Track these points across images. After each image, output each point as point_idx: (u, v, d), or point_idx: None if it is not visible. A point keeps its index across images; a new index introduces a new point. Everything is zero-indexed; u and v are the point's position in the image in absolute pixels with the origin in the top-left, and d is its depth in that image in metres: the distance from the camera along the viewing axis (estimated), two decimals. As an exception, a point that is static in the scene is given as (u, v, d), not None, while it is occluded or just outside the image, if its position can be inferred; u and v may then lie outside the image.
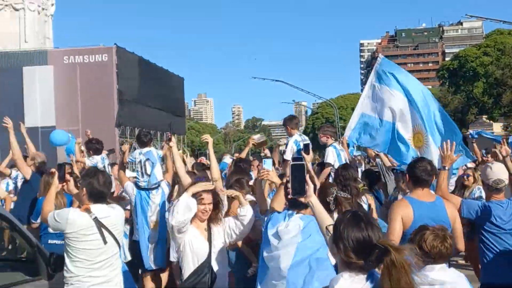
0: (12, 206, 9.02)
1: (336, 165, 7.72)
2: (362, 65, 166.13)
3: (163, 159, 8.27)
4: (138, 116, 41.17)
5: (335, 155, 8.11)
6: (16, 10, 41.58)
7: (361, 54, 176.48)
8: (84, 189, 4.90)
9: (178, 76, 52.79)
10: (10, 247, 6.14)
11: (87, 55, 38.20)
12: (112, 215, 4.93)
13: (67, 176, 5.35)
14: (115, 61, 38.25)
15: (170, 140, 6.18)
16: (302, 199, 3.52)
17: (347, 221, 2.94)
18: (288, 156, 8.12)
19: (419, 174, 5.05)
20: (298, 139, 8.49)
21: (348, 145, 8.87)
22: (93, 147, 9.76)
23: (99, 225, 4.76)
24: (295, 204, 4.51)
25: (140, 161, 7.67)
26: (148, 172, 7.67)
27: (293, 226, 4.60)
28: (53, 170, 5.88)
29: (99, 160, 9.23)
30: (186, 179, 6.14)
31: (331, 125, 8.38)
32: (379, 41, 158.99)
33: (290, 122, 8.81)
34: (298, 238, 4.55)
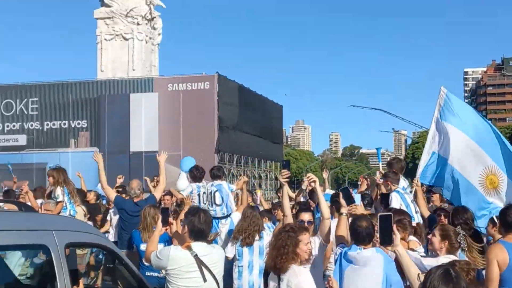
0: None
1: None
2: (466, 94, 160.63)
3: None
4: (237, 143, 41.85)
5: (399, 200, 7.79)
6: (126, 39, 43.70)
7: (465, 82, 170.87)
8: (186, 226, 4.99)
9: (277, 103, 53.29)
10: (114, 279, 6.33)
11: (190, 83, 39.40)
12: (213, 253, 4.96)
13: (170, 220, 5.47)
14: (216, 89, 39.18)
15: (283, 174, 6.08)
16: (390, 248, 3.80)
17: (438, 277, 3.12)
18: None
19: (510, 220, 5.21)
20: (404, 185, 8.33)
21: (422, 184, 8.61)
22: (192, 174, 9.70)
23: (199, 262, 4.80)
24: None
25: (211, 192, 8.42)
26: (218, 202, 8.43)
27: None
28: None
29: (194, 188, 9.28)
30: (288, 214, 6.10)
31: (393, 172, 8.06)
32: (485, 69, 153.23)
33: (395, 165, 8.54)
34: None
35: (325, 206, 5.47)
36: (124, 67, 43.55)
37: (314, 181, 5.56)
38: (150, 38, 45.07)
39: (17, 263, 5.59)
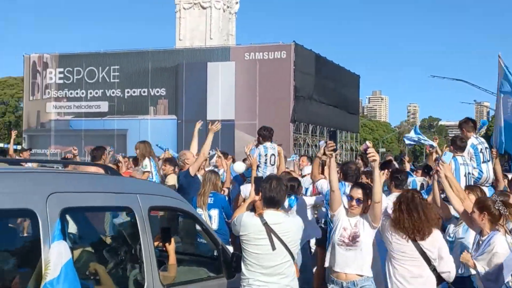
0: None
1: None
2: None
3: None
4: (312, 113, 41.63)
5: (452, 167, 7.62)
6: (204, 8, 44.05)
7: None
8: (260, 194, 5.04)
9: (354, 73, 52.49)
10: (196, 244, 6.51)
11: (266, 52, 39.37)
12: (286, 222, 4.93)
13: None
14: (293, 58, 38.97)
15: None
16: None
17: None
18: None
19: None
20: (474, 142, 8.30)
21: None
22: (261, 133, 9.73)
23: (269, 230, 4.82)
24: None
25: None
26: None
27: None
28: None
29: (262, 150, 9.32)
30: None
31: (460, 139, 8.02)
32: None
33: (466, 124, 8.54)
34: None
35: (378, 188, 5.23)
36: (202, 36, 43.99)
37: (374, 160, 5.20)
38: (228, 7, 45.22)
39: (102, 223, 5.83)
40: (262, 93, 38.57)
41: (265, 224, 4.82)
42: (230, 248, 6.12)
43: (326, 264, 5.55)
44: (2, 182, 3.94)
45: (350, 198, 5.45)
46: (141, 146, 9.31)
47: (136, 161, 10.71)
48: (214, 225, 7.42)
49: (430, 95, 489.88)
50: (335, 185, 5.54)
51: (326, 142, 5.64)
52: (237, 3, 46.39)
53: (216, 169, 10.20)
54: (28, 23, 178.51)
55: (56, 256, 3.60)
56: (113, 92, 43.07)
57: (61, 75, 44.28)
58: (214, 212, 7.66)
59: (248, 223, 4.87)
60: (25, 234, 4.57)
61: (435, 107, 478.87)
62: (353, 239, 5.32)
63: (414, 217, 5.09)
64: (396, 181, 6.82)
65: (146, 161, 9.04)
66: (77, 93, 43.97)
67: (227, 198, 8.52)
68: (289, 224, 4.94)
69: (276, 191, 4.94)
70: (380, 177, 5.34)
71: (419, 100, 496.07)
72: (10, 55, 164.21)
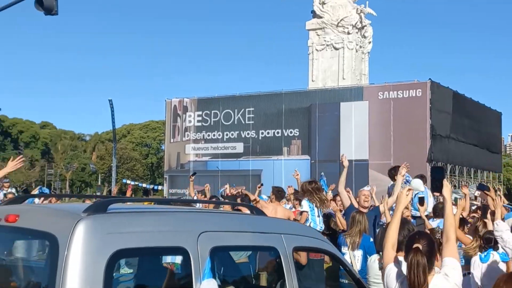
0: None
1: None
2: None
3: None
4: (450, 152, 40.06)
5: None
6: (336, 49, 44.33)
7: None
8: None
9: (495, 110, 49.99)
10: (339, 285, 6.45)
11: (401, 91, 38.68)
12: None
13: None
14: (429, 96, 37.93)
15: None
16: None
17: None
18: None
19: None
20: None
21: None
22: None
23: None
24: None
25: None
26: None
27: None
28: None
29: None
30: None
31: None
32: None
33: None
34: None
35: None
36: (335, 77, 44.19)
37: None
38: (360, 47, 45.18)
39: (245, 263, 5.94)
40: (397, 132, 37.79)
41: None
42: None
43: None
44: (158, 221, 4.15)
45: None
46: (305, 184, 9.37)
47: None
48: (357, 265, 7.31)
49: None
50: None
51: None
52: (370, 42, 46.25)
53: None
54: (169, 69, 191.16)
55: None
56: (248, 133, 44.23)
57: (199, 118, 46.30)
58: (358, 253, 7.57)
59: None
60: (179, 271, 4.76)
61: None
62: None
63: None
64: None
65: (304, 202, 9.09)
66: (214, 135, 45.66)
67: None
68: None
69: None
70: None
71: None
72: (152, 100, 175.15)
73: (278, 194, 9.96)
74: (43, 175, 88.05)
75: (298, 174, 11.93)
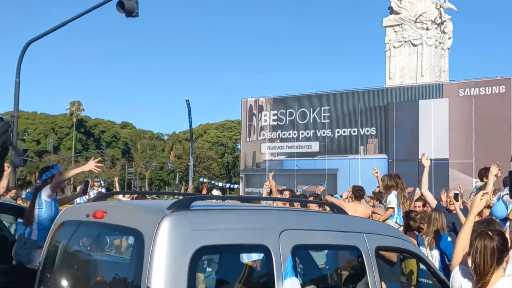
0: None
1: None
2: None
3: None
4: (536, 151, 38.34)
5: None
6: (414, 45, 43.32)
7: None
8: None
9: None
10: (421, 285, 6.29)
11: (483, 87, 37.31)
12: None
13: None
14: (513, 93, 36.42)
15: None
16: None
17: None
18: None
19: None
20: None
21: None
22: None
23: None
24: None
25: None
26: None
27: None
28: None
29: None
30: None
31: None
32: None
33: None
34: None
35: None
36: (413, 74, 43.20)
37: None
38: (440, 43, 43.94)
39: (326, 262, 5.88)
40: (479, 130, 36.48)
41: None
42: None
43: None
44: (240, 219, 4.17)
45: None
46: (386, 178, 9.11)
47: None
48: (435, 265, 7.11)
49: None
50: None
51: None
52: (450, 38, 44.85)
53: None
54: (245, 68, 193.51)
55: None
56: (323, 132, 43.93)
57: (275, 117, 46.39)
58: (436, 253, 7.39)
59: None
60: (258, 269, 4.78)
61: None
62: None
63: None
64: None
65: (391, 197, 8.83)
66: (289, 134, 45.63)
67: None
68: None
69: None
70: None
71: None
72: (228, 100, 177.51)
73: (358, 193, 9.83)
74: (124, 174, 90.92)
75: (377, 172, 11.65)
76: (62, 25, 19.19)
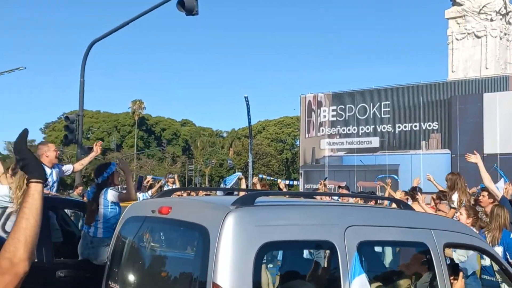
0: None
1: None
2: None
3: None
4: None
5: None
6: (478, 37, 42.13)
7: None
8: None
9: None
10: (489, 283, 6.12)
11: (550, 79, 35.99)
12: None
13: None
14: None
15: None
16: None
17: None
18: None
19: None
20: None
21: None
22: None
23: None
24: None
25: None
26: None
27: None
28: None
29: None
30: None
31: None
32: None
33: None
34: None
35: None
36: (477, 66, 42.02)
37: None
38: (505, 34, 42.56)
39: (392, 259, 5.78)
40: (546, 123, 35.21)
41: None
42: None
43: None
44: (304, 214, 4.14)
45: None
46: (450, 177, 8.98)
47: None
48: None
49: None
50: None
51: None
52: (515, 29, 43.53)
53: None
54: (303, 64, 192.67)
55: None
56: (384, 128, 43.33)
57: (334, 113, 46.07)
58: (499, 249, 7.18)
59: None
60: (325, 265, 4.73)
61: None
62: None
63: None
64: None
65: (454, 196, 8.70)
66: (349, 130, 45.24)
67: None
68: None
69: None
70: None
71: None
72: (287, 96, 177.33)
73: (411, 195, 9.70)
74: (184, 171, 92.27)
75: (430, 177, 11.42)
76: (125, 25, 19.56)
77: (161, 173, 75.22)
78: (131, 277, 4.80)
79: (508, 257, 7.03)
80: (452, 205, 8.43)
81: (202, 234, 3.94)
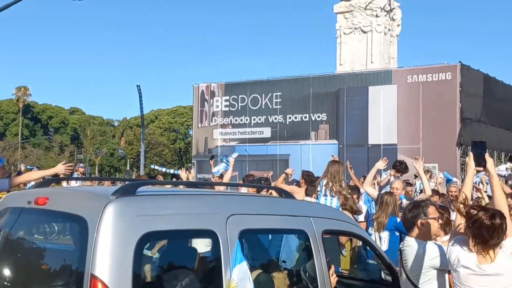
0: None
1: None
2: None
3: None
4: (481, 136, 39.32)
5: None
6: (364, 32, 43.82)
7: None
8: None
9: (527, 93, 48.96)
10: (368, 268, 6.41)
11: (430, 74, 38.07)
12: None
13: None
14: (459, 79, 37.25)
15: None
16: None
17: None
18: None
19: None
20: None
21: None
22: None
23: None
24: None
25: None
26: None
27: None
28: None
29: None
30: None
31: None
32: None
33: None
34: None
35: None
36: (363, 60, 43.72)
37: None
38: (389, 30, 44.57)
39: (273, 246, 5.91)
40: (426, 116, 37.25)
41: None
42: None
43: None
44: (186, 204, 4.13)
45: None
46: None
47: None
48: (384, 246, 7.31)
49: None
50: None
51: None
52: (398, 25, 45.52)
53: None
54: (196, 54, 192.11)
55: (241, 277, 3.68)
56: (275, 118, 44.05)
57: (227, 103, 46.26)
58: (385, 234, 7.57)
59: None
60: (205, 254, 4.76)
61: None
62: None
63: None
64: None
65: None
66: (241, 120, 45.60)
67: None
68: None
69: None
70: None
71: None
72: (179, 86, 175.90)
73: (308, 178, 9.95)
74: (73, 160, 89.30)
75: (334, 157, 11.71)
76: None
77: (48, 163, 72.33)
78: (7, 271, 4.58)
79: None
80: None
81: (80, 225, 3.83)
